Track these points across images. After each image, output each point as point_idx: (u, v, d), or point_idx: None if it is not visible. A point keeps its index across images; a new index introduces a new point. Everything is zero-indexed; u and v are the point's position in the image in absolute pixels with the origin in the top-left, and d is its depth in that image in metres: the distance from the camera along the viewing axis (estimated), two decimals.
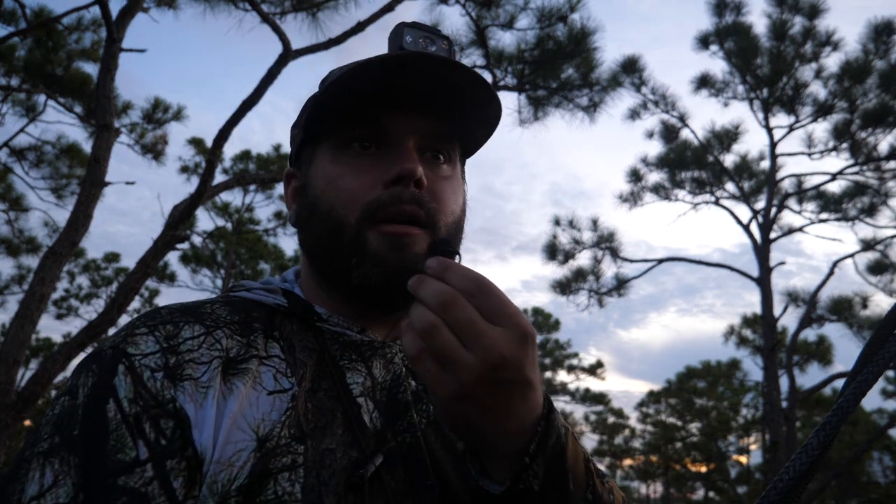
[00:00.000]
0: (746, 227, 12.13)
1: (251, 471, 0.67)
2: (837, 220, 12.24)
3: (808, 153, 12.05)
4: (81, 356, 0.78)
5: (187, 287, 16.82)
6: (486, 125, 0.87)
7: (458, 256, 0.71)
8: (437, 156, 0.84)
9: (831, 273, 11.82)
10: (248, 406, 0.71)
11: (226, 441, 0.68)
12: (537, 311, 26.85)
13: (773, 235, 12.06)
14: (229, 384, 0.72)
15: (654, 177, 13.13)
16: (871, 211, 11.91)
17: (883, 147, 11.56)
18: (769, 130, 12.21)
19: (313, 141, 0.86)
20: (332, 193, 0.81)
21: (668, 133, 12.84)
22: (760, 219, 12.11)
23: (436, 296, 0.63)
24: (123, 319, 8.96)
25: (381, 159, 0.81)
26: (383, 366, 0.83)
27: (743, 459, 28.05)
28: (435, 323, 0.62)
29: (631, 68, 11.74)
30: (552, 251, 12.64)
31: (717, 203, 12.88)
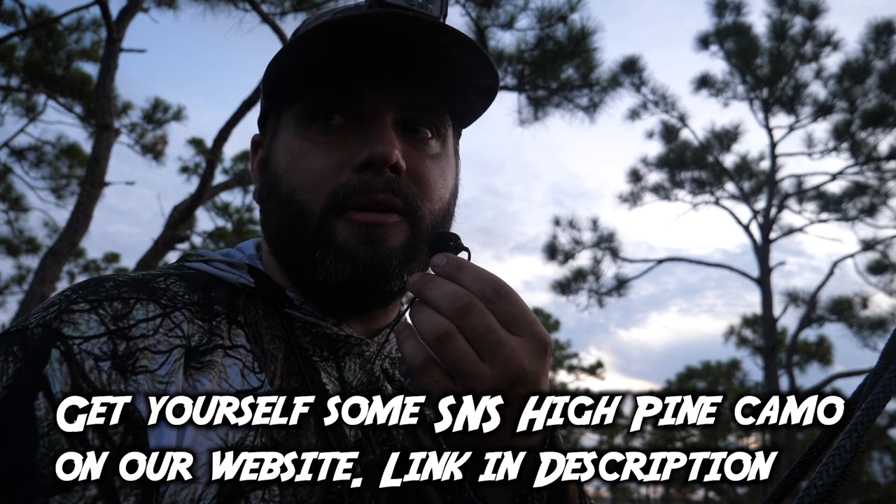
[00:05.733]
0: (746, 228, 12.13)
1: (220, 489, 0.57)
2: (837, 220, 12.25)
3: (808, 153, 12.05)
4: None
5: None
6: (482, 93, 0.74)
7: (467, 253, 0.62)
8: (422, 130, 0.72)
9: (831, 273, 11.82)
10: None
11: (190, 452, 0.58)
12: (537, 312, 26.88)
13: (773, 235, 12.06)
14: (192, 380, 0.61)
15: (654, 177, 13.15)
16: (871, 211, 11.91)
17: (883, 147, 11.56)
18: (769, 130, 12.21)
19: (278, 105, 0.74)
20: (294, 174, 0.69)
21: (668, 133, 12.84)
22: (760, 219, 12.11)
23: (451, 299, 0.55)
24: None
25: (353, 136, 0.68)
26: (359, 366, 0.72)
27: None
28: (449, 330, 0.55)
29: (631, 68, 11.74)
30: (552, 251, 12.64)
31: (717, 203, 12.88)
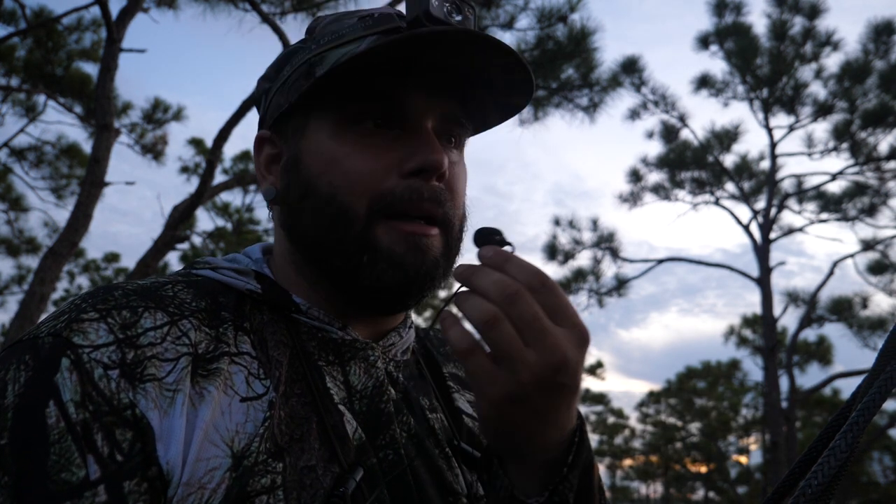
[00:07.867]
0: (746, 228, 12.13)
1: (226, 494, 0.58)
2: (837, 220, 12.25)
3: (808, 153, 12.05)
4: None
5: None
6: (507, 111, 0.77)
7: (511, 247, 0.64)
8: (450, 139, 0.75)
9: (831, 273, 11.83)
10: (220, 415, 0.61)
11: (197, 458, 0.58)
12: None
13: (773, 235, 12.07)
14: (199, 388, 0.62)
15: (654, 177, 13.15)
16: (871, 211, 11.91)
17: (883, 147, 11.56)
18: (769, 130, 12.21)
19: (304, 109, 0.74)
20: (336, 176, 0.70)
21: (668, 133, 12.84)
22: (760, 219, 12.11)
23: (499, 287, 0.57)
24: None
25: (398, 142, 0.70)
26: (364, 370, 0.73)
27: (743, 460, 28.08)
28: (497, 315, 0.56)
29: (631, 68, 11.74)
30: (552, 251, 12.64)
31: (717, 203, 12.88)
